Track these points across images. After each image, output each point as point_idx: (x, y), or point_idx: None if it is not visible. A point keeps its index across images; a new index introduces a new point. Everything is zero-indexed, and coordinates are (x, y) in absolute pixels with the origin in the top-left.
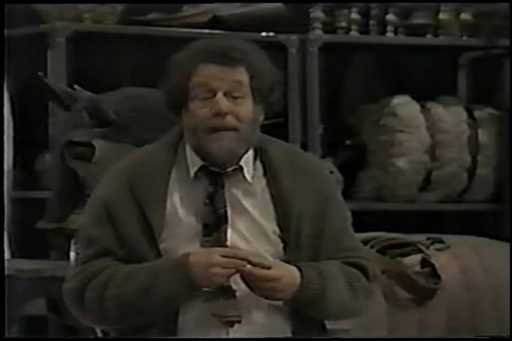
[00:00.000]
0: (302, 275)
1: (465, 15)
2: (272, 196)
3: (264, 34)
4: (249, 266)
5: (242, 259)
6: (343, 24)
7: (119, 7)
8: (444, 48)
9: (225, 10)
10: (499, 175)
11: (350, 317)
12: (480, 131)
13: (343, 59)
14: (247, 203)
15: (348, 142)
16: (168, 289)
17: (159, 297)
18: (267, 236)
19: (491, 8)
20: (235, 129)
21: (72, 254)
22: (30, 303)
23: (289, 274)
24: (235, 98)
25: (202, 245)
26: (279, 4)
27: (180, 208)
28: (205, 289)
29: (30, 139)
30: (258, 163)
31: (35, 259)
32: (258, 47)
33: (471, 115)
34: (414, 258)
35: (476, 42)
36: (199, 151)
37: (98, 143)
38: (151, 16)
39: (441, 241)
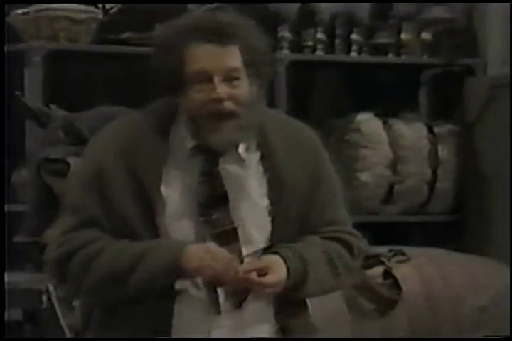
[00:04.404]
0: (287, 266)
1: (425, 35)
2: (266, 170)
3: None
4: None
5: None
6: (310, 43)
7: (94, 26)
8: (405, 66)
9: None
10: (458, 187)
11: (329, 293)
12: (439, 146)
13: (310, 76)
14: (241, 179)
15: None
16: (155, 267)
17: (144, 272)
18: (258, 211)
19: (450, 28)
20: (233, 114)
21: None
22: (7, 315)
23: (279, 272)
24: (231, 79)
25: (197, 225)
26: None
27: (174, 184)
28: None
29: (7, 154)
30: (252, 138)
31: (11, 272)
32: (248, 19)
33: (431, 131)
34: (377, 270)
35: (436, 61)
36: (197, 138)
37: (73, 160)
38: (124, 35)
39: (403, 253)
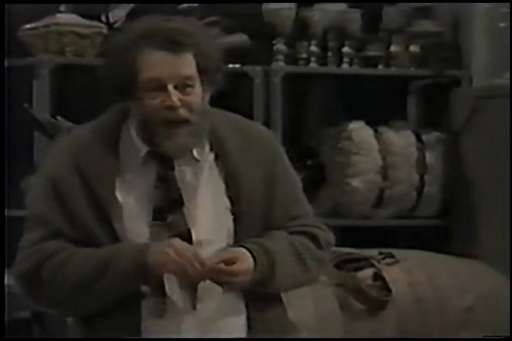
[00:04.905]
0: (254, 257)
1: (413, 48)
2: (221, 170)
3: (231, 66)
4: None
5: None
6: (304, 56)
7: (99, 40)
8: (394, 77)
9: None
10: (445, 193)
11: (300, 287)
12: (427, 153)
13: (304, 87)
14: (197, 181)
15: (308, 163)
16: (122, 268)
17: (112, 275)
18: (219, 212)
19: (438, 41)
20: (187, 121)
21: None
22: (15, 316)
23: (246, 261)
24: (185, 87)
25: (152, 229)
26: (245, 38)
27: (129, 190)
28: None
29: (16, 163)
30: (205, 140)
31: None
32: (201, 26)
33: (419, 138)
34: (367, 273)
35: (423, 72)
36: (150, 144)
37: None
38: None
39: (392, 256)
